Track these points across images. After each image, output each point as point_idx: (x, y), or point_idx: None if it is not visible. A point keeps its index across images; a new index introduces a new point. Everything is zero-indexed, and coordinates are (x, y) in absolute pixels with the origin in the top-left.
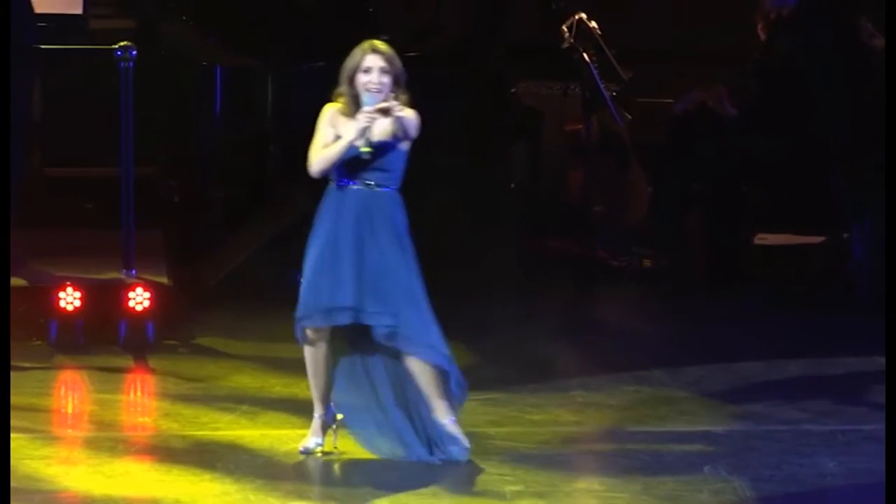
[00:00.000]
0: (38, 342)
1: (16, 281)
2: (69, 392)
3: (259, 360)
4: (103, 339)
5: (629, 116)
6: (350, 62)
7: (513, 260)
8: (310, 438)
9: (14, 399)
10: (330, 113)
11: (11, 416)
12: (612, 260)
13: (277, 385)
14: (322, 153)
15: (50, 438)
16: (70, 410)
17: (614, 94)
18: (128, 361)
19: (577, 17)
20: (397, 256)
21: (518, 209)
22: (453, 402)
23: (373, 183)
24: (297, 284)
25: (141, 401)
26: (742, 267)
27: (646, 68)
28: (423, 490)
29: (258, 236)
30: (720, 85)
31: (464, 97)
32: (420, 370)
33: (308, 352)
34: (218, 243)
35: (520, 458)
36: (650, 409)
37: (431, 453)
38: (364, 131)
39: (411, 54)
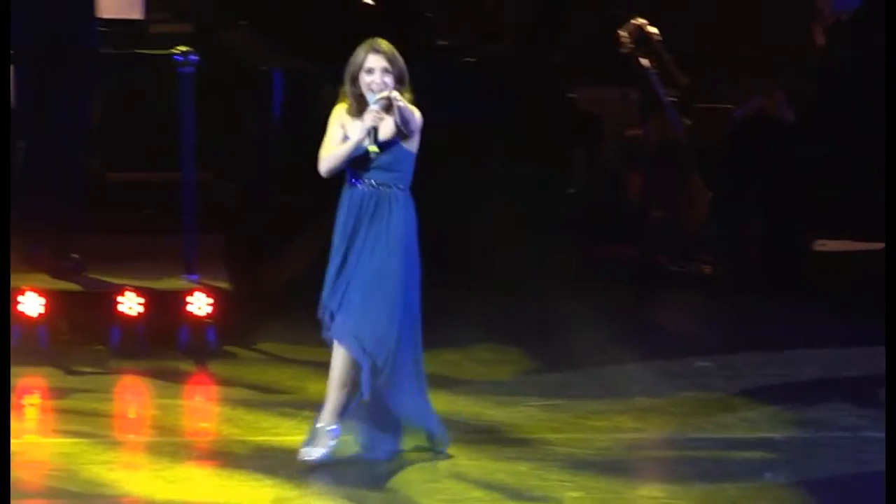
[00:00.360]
0: (100, 347)
1: (75, 286)
2: (131, 397)
3: (320, 366)
4: (164, 344)
5: (688, 122)
6: (353, 61)
7: (572, 265)
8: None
9: (76, 404)
10: (339, 112)
11: (73, 421)
12: (671, 265)
13: None
14: (329, 154)
15: (112, 443)
16: (132, 415)
17: (673, 99)
18: (189, 367)
19: (636, 22)
20: (379, 259)
21: (577, 214)
22: (349, 410)
23: (377, 183)
24: None
25: (202, 406)
26: (801, 272)
27: (704, 74)
28: (484, 496)
29: (318, 241)
30: (779, 90)
31: (521, 102)
32: (339, 364)
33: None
34: (279, 248)
35: (580, 465)
36: (710, 415)
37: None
38: (370, 131)
39: (469, 59)
